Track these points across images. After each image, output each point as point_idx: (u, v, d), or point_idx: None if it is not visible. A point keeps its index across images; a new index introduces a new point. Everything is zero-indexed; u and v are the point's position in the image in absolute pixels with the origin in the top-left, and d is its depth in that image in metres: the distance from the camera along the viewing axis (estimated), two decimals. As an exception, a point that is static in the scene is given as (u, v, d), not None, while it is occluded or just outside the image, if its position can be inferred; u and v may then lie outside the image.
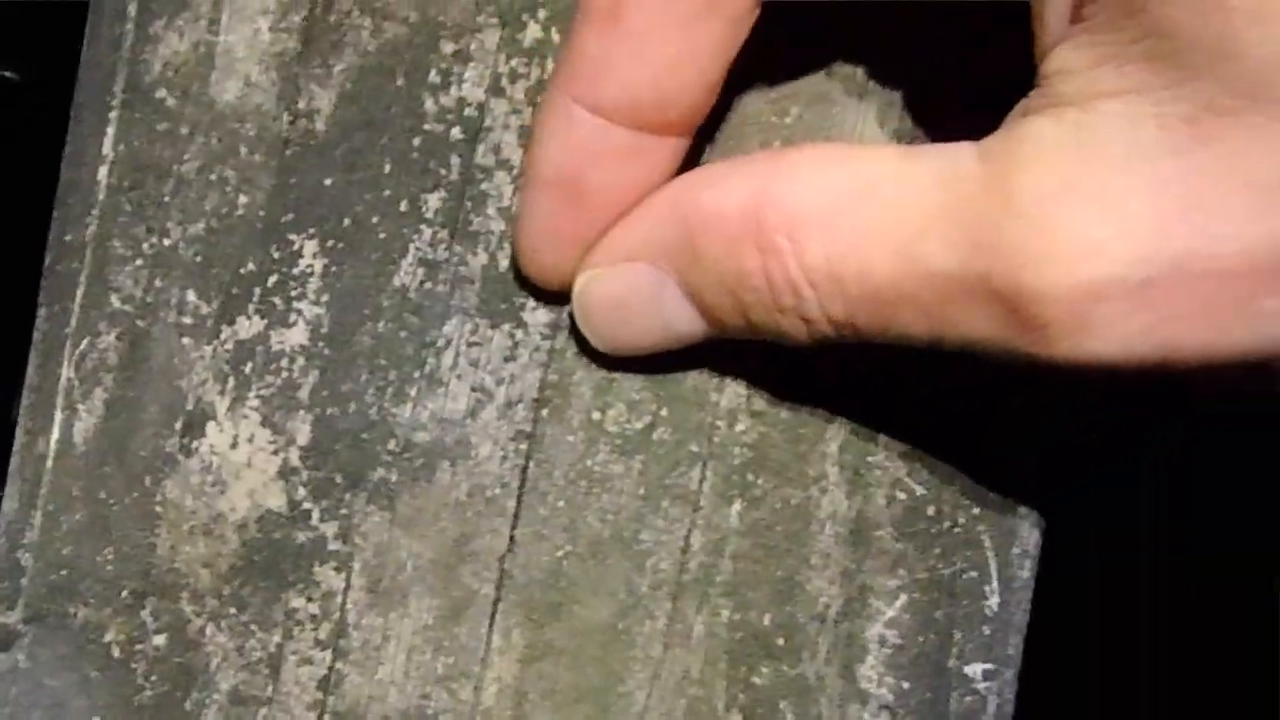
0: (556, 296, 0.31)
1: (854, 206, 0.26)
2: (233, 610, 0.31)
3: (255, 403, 0.31)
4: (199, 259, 0.31)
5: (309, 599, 0.31)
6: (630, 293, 0.29)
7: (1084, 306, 0.24)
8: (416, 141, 0.31)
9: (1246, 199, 0.23)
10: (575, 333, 0.30)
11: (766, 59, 0.29)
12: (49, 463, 0.32)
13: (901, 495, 0.31)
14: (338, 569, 0.31)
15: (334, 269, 0.31)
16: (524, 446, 0.31)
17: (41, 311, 0.32)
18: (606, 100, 0.27)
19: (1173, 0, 0.22)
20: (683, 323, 0.29)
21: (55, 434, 0.31)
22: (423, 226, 0.31)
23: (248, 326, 0.31)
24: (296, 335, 0.31)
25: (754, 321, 0.28)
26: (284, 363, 0.31)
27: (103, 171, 0.31)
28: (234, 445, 0.31)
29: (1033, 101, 0.25)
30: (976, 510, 0.31)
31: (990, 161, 0.25)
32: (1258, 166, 0.22)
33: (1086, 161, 0.24)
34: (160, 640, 0.31)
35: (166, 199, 0.31)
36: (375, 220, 0.31)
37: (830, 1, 0.30)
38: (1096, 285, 0.23)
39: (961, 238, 0.25)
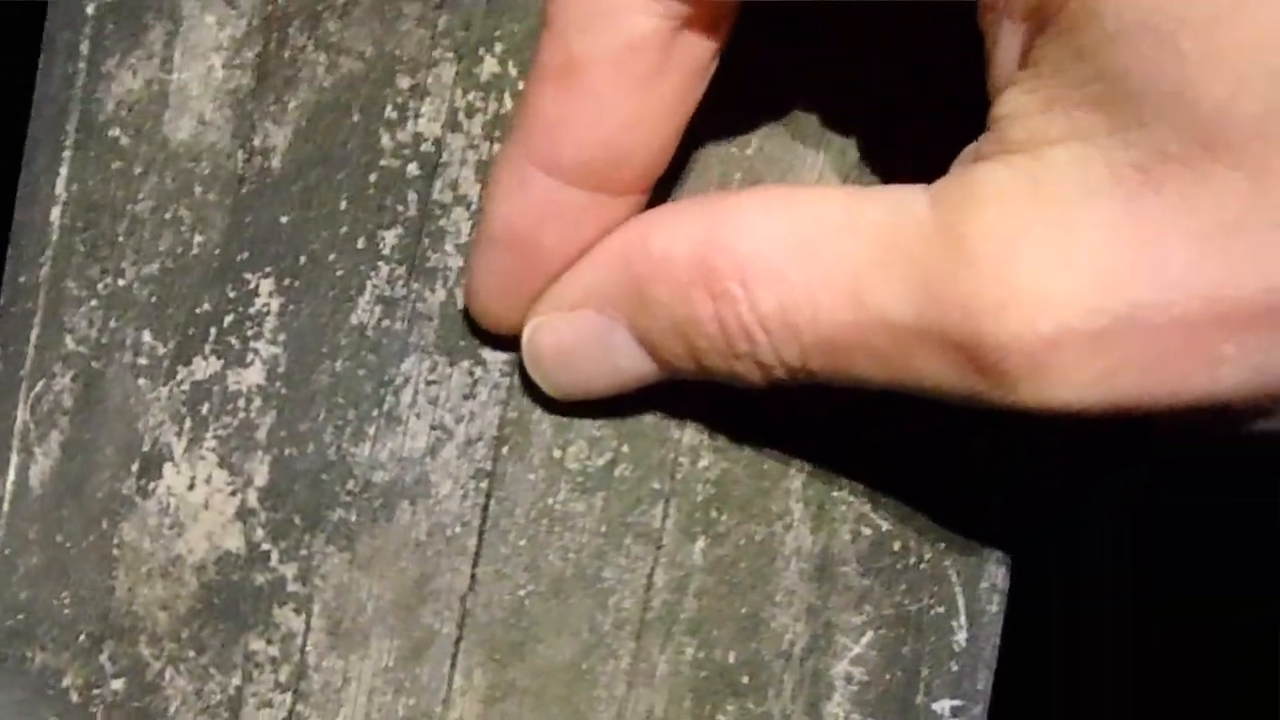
0: (516, 336, 0.30)
1: (805, 252, 0.26)
2: (191, 653, 0.31)
3: (212, 444, 0.31)
4: (154, 299, 0.31)
5: (268, 641, 0.31)
6: (578, 339, 0.29)
7: (1043, 355, 0.23)
8: (373, 178, 0.31)
9: (1200, 246, 0.22)
10: (527, 378, 0.30)
11: (728, 92, 0.29)
12: (5, 506, 0.31)
13: (866, 530, 0.31)
14: (297, 610, 0.31)
15: (291, 307, 0.31)
16: (484, 485, 0.31)
17: (-3, 353, 0.31)
18: (562, 161, 0.27)
19: (1123, 44, 0.22)
20: (633, 366, 0.29)
21: (11, 477, 0.31)
22: (380, 263, 0.31)
23: (204, 367, 0.31)
24: (253, 375, 0.31)
25: (707, 365, 0.27)
26: (241, 403, 0.31)
27: (56, 212, 0.31)
28: (191, 487, 0.31)
29: (984, 146, 0.25)
30: (943, 545, 0.31)
31: (941, 207, 0.25)
32: (1210, 213, 0.22)
33: (1038, 208, 0.23)
34: (119, 684, 0.31)
35: (120, 239, 0.31)
36: (332, 258, 0.31)
37: (790, 42, 0.30)
38: (1054, 335, 0.23)
39: (915, 286, 0.24)
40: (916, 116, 0.30)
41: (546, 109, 0.27)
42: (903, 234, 0.25)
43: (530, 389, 0.30)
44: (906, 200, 0.25)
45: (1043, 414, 0.24)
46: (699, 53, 0.27)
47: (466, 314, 0.31)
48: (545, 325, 0.29)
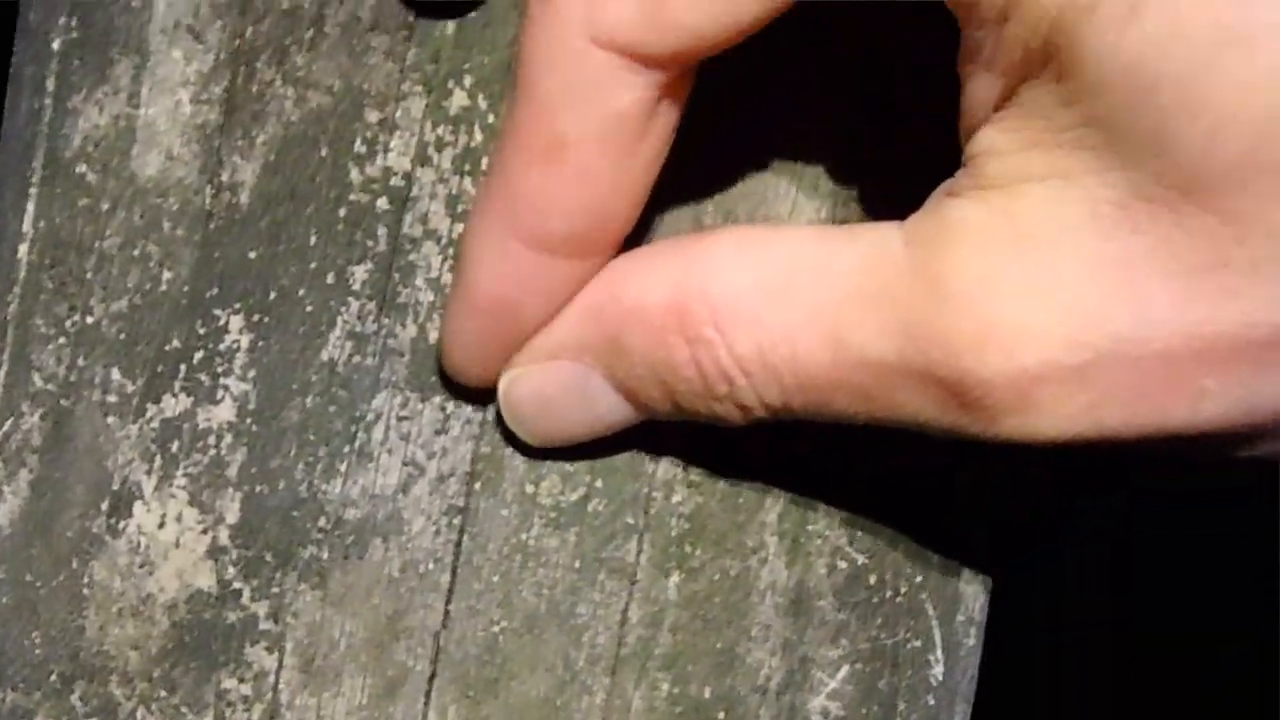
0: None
1: (780, 294, 0.26)
2: (163, 692, 0.31)
3: (183, 481, 0.31)
4: (123, 336, 0.31)
5: (241, 679, 0.31)
6: (555, 388, 0.29)
7: (1026, 388, 0.24)
8: (342, 212, 0.31)
9: (1180, 285, 0.23)
10: (503, 426, 0.30)
11: (698, 127, 0.28)
12: (-26, 545, 0.31)
13: (842, 564, 0.31)
14: (269, 649, 0.31)
15: (261, 344, 0.31)
16: (457, 521, 0.31)
17: (-35, 391, 0.31)
18: (548, 235, 0.27)
19: (1107, 93, 0.22)
20: (611, 412, 0.29)
21: (-20, 516, 0.31)
22: (350, 299, 0.31)
23: (174, 404, 0.31)
24: (224, 412, 0.31)
25: (686, 408, 0.27)
26: (211, 440, 0.31)
27: (23, 249, 0.31)
28: (162, 525, 0.31)
29: (958, 182, 0.25)
30: (919, 578, 0.31)
31: (917, 245, 0.25)
32: (1188, 255, 0.22)
33: (1016, 244, 0.24)
34: (90, 724, 0.31)
35: (88, 276, 0.31)
36: (302, 293, 0.31)
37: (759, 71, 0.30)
38: (1036, 368, 0.23)
39: (893, 324, 0.24)
40: (884, 145, 0.30)
41: (532, 187, 0.26)
42: (879, 272, 0.25)
43: (503, 424, 0.30)
44: (881, 238, 0.25)
45: (1025, 445, 0.24)
46: (674, 112, 0.27)
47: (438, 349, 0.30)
48: (522, 376, 0.29)
